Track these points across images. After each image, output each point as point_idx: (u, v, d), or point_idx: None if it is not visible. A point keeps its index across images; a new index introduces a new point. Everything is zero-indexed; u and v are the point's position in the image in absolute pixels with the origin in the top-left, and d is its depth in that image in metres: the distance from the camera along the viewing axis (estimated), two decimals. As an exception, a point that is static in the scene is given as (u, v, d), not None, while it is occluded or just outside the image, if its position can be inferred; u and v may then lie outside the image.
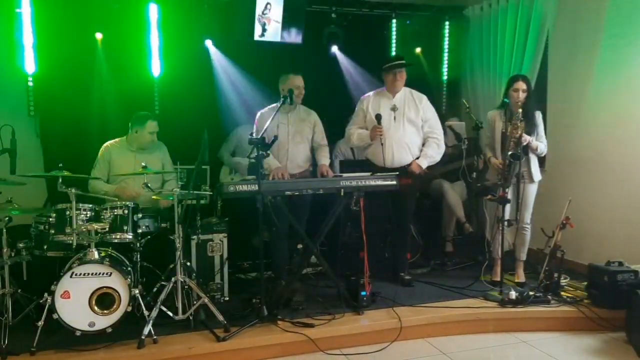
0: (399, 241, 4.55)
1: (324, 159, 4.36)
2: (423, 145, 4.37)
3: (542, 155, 4.32)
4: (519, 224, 4.27)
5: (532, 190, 4.28)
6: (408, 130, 4.31)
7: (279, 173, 4.09)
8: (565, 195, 4.28)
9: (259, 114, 4.32)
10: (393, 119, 4.29)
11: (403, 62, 4.33)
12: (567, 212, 4.09)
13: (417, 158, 4.32)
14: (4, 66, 4.62)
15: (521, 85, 4.15)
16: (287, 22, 5.03)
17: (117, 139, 4.24)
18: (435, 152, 4.36)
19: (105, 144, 4.19)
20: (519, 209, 4.17)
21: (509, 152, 4.02)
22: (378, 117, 4.19)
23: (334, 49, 5.43)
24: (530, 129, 4.13)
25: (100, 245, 3.49)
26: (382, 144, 4.15)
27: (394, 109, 4.30)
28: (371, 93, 4.47)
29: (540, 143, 4.19)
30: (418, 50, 5.79)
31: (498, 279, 4.25)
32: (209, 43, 5.03)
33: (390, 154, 4.24)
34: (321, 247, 4.33)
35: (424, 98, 4.40)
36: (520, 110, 4.01)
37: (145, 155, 4.13)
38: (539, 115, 4.27)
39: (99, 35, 4.72)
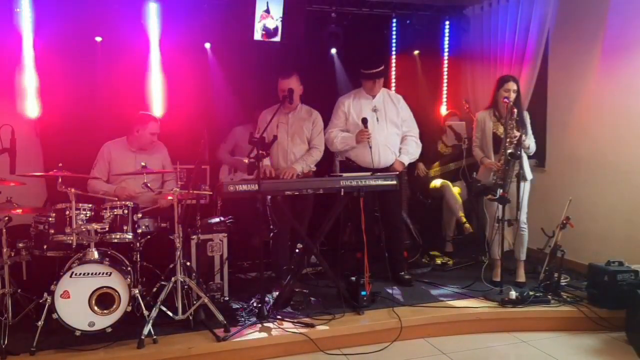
0: (393, 241, 4.54)
1: (300, 162, 4.25)
2: (401, 143, 4.44)
3: (532, 153, 4.37)
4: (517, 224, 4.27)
5: (527, 190, 4.29)
6: (391, 131, 4.38)
7: (287, 173, 4.09)
8: (565, 195, 4.28)
9: (262, 113, 4.33)
10: (376, 120, 4.33)
11: (381, 70, 4.34)
12: (567, 212, 4.10)
13: (398, 156, 4.40)
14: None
15: (512, 85, 4.22)
16: (287, 22, 5.02)
17: (117, 139, 4.24)
18: (414, 150, 4.48)
19: (105, 144, 4.19)
20: (518, 209, 4.17)
21: (509, 151, 4.03)
22: (364, 121, 4.20)
23: (333, 51, 5.43)
24: (521, 128, 4.17)
25: (100, 245, 3.49)
26: (370, 147, 4.16)
27: (375, 109, 4.33)
28: (350, 94, 4.49)
29: (530, 141, 4.27)
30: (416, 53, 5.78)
31: (498, 279, 4.26)
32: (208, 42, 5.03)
33: (376, 155, 4.24)
34: (321, 247, 4.32)
35: (401, 98, 4.52)
36: (515, 110, 4.05)
37: (145, 156, 4.13)
38: (527, 115, 4.37)
39: (99, 35, 4.71)
